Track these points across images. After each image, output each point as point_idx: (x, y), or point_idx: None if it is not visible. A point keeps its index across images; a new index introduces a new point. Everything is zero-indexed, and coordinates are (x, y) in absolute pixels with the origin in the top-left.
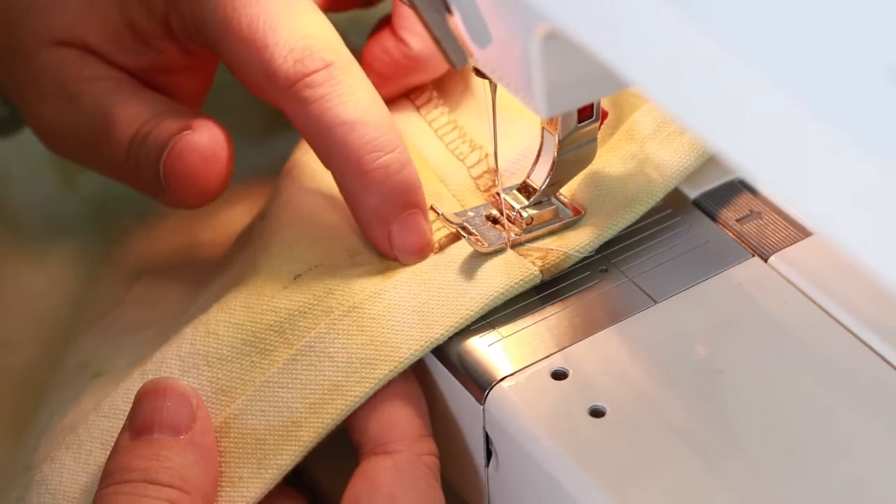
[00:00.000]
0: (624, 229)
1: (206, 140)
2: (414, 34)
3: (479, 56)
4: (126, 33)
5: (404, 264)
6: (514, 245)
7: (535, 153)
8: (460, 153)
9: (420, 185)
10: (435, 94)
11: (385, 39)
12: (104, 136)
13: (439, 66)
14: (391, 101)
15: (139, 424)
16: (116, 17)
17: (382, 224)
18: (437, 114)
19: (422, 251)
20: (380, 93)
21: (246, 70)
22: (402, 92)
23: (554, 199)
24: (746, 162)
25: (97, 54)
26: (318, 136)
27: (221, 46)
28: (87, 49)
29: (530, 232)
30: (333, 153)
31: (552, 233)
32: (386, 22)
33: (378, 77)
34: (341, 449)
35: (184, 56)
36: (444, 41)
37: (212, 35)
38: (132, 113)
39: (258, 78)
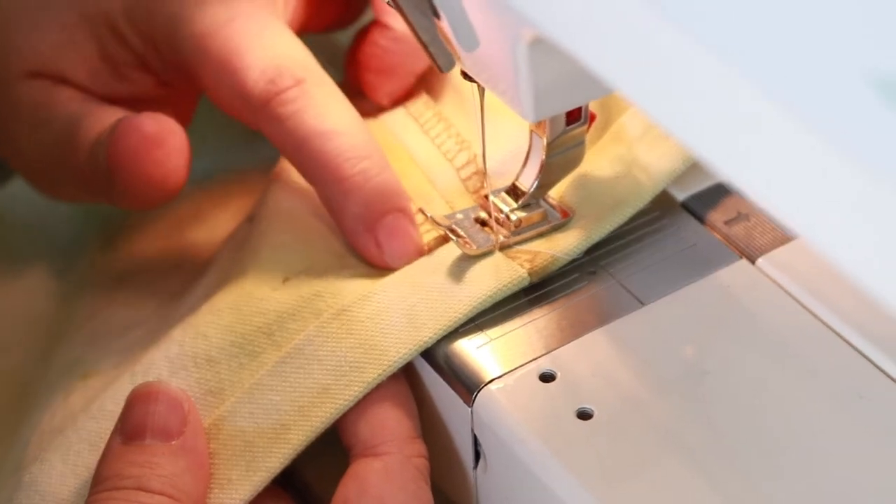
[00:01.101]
0: (612, 232)
1: (149, 122)
2: (396, 17)
3: (466, 60)
4: (102, 66)
5: (394, 268)
6: (503, 247)
7: (524, 154)
8: (447, 150)
9: (402, 188)
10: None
11: (371, 34)
12: (70, 146)
13: None
14: (402, 95)
15: (131, 429)
16: (93, 51)
17: (368, 230)
18: (422, 106)
19: (412, 254)
20: (389, 88)
21: (222, 94)
22: (408, 82)
23: (542, 202)
24: (728, 168)
25: (73, 85)
26: (294, 150)
27: (198, 74)
28: (62, 79)
29: (518, 234)
30: (311, 164)
31: (540, 235)
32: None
33: (378, 74)
34: (332, 451)
35: (160, 87)
36: (432, 45)
37: (189, 64)
38: (97, 121)
39: (233, 100)
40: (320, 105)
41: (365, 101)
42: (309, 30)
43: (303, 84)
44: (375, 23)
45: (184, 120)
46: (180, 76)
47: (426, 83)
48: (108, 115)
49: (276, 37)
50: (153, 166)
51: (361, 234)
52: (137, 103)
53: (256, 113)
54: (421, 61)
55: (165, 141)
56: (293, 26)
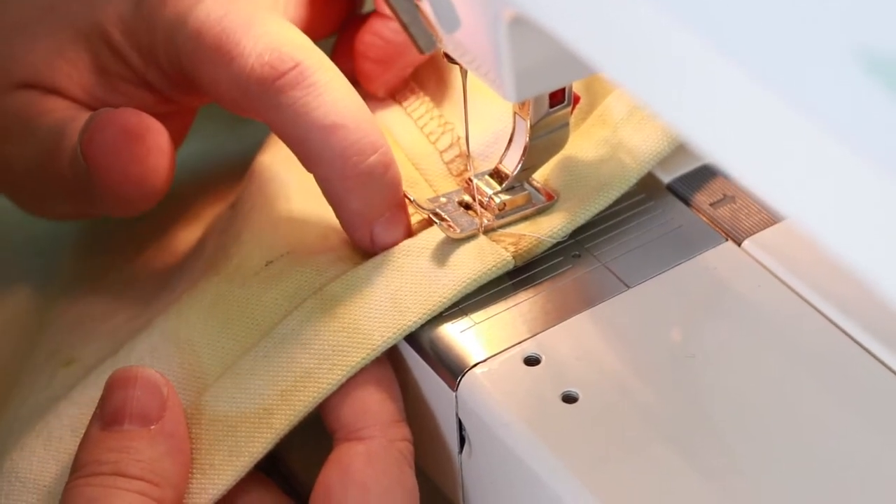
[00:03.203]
0: (597, 214)
1: (128, 116)
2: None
3: (448, 41)
4: (97, 80)
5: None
6: (487, 231)
7: (508, 137)
8: (430, 132)
9: (401, 182)
10: None
11: (372, 24)
12: (55, 153)
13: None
14: (399, 85)
15: (109, 415)
16: (87, 64)
17: (366, 225)
18: (404, 89)
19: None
20: (386, 77)
21: (221, 87)
22: (405, 73)
23: (526, 185)
24: (713, 148)
25: (66, 97)
26: (298, 143)
27: (197, 73)
28: (54, 91)
29: (503, 217)
30: (315, 158)
31: (525, 218)
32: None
33: (377, 63)
34: (317, 437)
35: (158, 105)
36: (412, 26)
37: (189, 69)
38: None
39: (233, 92)
40: (323, 94)
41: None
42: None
43: (302, 67)
44: (377, 13)
45: (178, 138)
46: (180, 91)
47: (413, 72)
48: None
49: (272, 23)
50: (131, 162)
51: (358, 228)
52: None
53: (256, 101)
54: (418, 54)
55: (144, 136)
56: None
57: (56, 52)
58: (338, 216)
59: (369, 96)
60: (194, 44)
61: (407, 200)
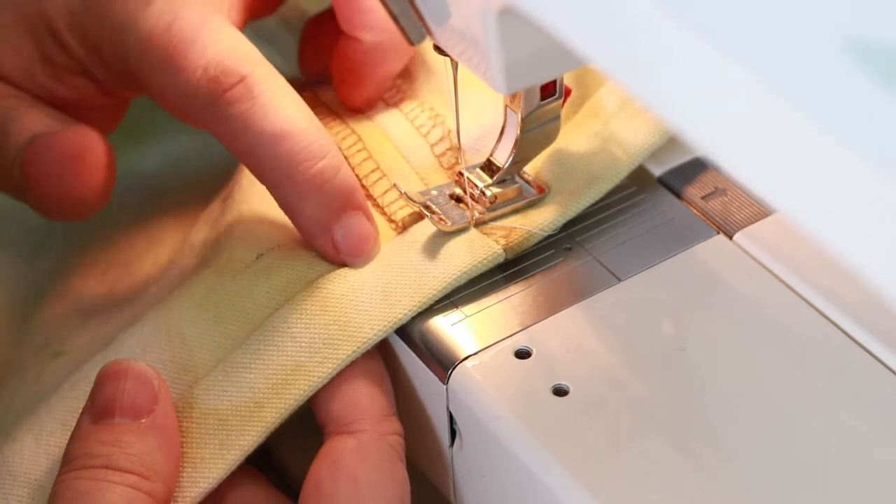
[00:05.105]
0: (588, 207)
1: (68, 139)
2: (362, 28)
3: (438, 33)
4: (39, 68)
5: (352, 267)
6: (478, 224)
7: (499, 130)
8: (421, 125)
9: (357, 185)
10: None
11: (341, 48)
12: None
13: (403, 48)
14: (378, 96)
15: (99, 408)
16: (31, 51)
17: (324, 231)
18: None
19: (368, 253)
20: (364, 96)
21: (168, 97)
22: (384, 86)
23: (517, 178)
24: (704, 141)
25: (8, 82)
26: (247, 153)
27: (146, 80)
28: None
29: (494, 210)
30: (265, 167)
31: (516, 211)
32: (316, 24)
33: (353, 86)
34: (309, 431)
35: (101, 95)
36: (402, 17)
37: (136, 72)
38: (27, 124)
39: (179, 102)
40: (268, 104)
41: None
42: (259, 15)
43: (248, 80)
44: (345, 37)
45: (113, 124)
46: (122, 85)
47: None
48: (37, 119)
49: (217, 33)
50: (70, 184)
51: (318, 235)
52: (75, 106)
53: (203, 113)
54: (393, 64)
55: (84, 158)
56: (242, 15)
57: (1, 38)
58: (296, 226)
59: None
60: (142, 49)
61: (398, 193)
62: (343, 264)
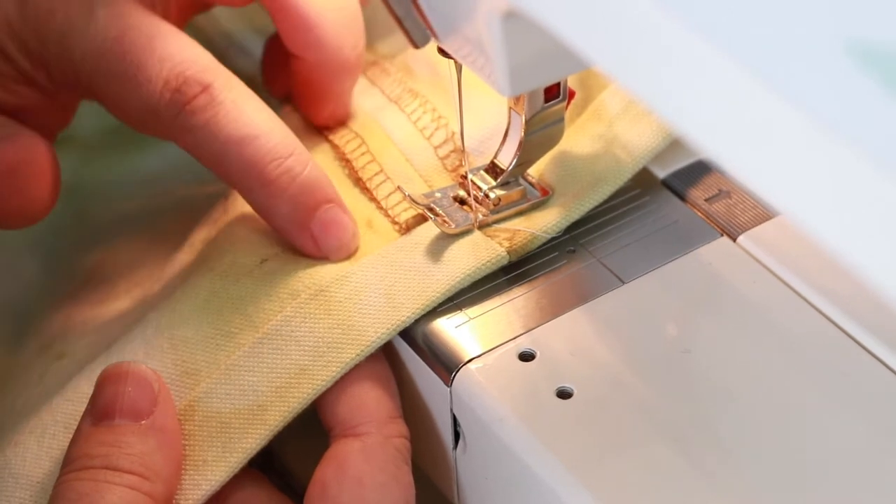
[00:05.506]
0: (592, 210)
1: (4, 152)
2: (304, 47)
3: (442, 36)
4: None
5: (335, 262)
6: (482, 226)
7: (503, 132)
8: (424, 127)
9: (328, 179)
10: (391, 67)
11: (293, 67)
12: None
13: (350, 63)
14: (343, 114)
15: (100, 410)
16: None
17: (301, 228)
18: (396, 84)
19: (349, 243)
20: (325, 113)
21: (129, 112)
22: (343, 101)
23: (521, 180)
24: (707, 143)
25: None
26: (214, 161)
27: (100, 95)
28: None
29: (497, 213)
30: (233, 172)
31: (520, 213)
32: (274, 43)
33: (309, 106)
34: (313, 433)
35: (45, 100)
36: (406, 20)
37: (86, 83)
38: None
39: (141, 115)
40: (232, 110)
41: None
42: (199, 10)
43: (210, 89)
44: (294, 57)
45: (63, 124)
46: (69, 90)
47: (406, 67)
48: None
49: (173, 42)
50: (10, 196)
51: (296, 233)
52: (21, 109)
53: (168, 126)
54: (344, 80)
55: (24, 170)
56: (181, 14)
57: None
58: (274, 227)
59: (358, 91)
60: (94, 63)
61: (402, 195)
62: (327, 258)
